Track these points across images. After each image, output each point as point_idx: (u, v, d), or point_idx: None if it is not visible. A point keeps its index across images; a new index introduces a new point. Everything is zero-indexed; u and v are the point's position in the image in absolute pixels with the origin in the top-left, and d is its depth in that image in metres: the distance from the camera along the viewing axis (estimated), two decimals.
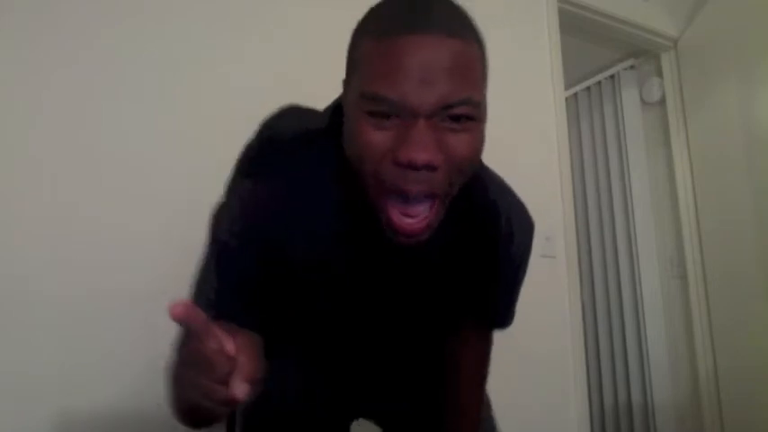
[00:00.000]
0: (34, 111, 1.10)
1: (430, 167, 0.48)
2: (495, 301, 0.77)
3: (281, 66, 1.39)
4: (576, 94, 2.90)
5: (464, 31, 0.51)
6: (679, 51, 2.43)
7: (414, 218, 0.53)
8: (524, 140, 1.77)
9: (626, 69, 2.68)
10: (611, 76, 2.74)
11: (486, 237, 0.69)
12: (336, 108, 0.62)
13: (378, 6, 0.54)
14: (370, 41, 0.51)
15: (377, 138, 0.49)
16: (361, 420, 0.88)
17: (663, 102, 2.51)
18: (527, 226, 0.74)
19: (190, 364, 0.45)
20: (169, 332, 1.17)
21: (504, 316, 0.79)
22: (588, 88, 2.87)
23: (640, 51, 2.58)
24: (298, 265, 0.65)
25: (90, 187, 1.13)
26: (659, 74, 2.53)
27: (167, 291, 1.18)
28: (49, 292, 1.06)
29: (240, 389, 0.42)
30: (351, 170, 0.55)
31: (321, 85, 1.41)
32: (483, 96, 0.52)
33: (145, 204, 1.18)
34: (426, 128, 0.48)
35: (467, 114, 0.50)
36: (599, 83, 2.80)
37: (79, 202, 1.12)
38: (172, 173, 1.22)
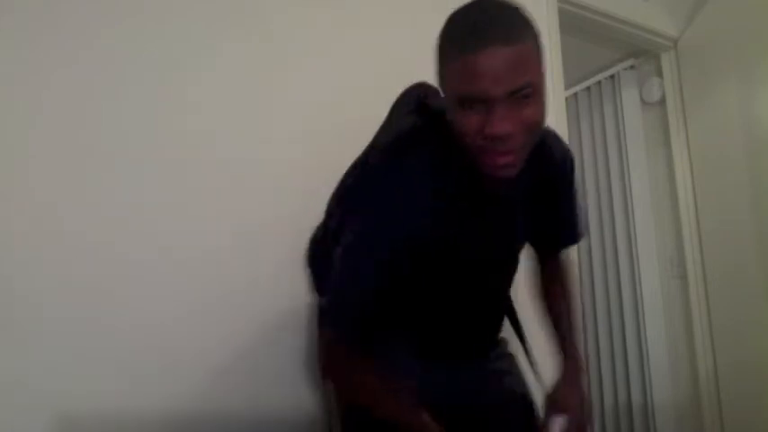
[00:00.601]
0: (34, 111, 1.10)
1: (508, 135, 0.71)
2: (572, 218, 1.04)
3: (281, 65, 1.39)
4: (575, 94, 2.90)
5: (518, 34, 0.70)
6: (679, 51, 2.43)
7: (505, 161, 0.74)
8: None
9: (626, 69, 2.68)
10: (611, 76, 2.74)
11: (549, 171, 0.94)
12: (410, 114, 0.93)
13: (452, 24, 0.74)
14: (450, 61, 0.72)
15: (471, 121, 0.72)
16: None
17: (663, 102, 2.51)
18: (566, 149, 1.00)
19: None
20: (170, 331, 1.17)
21: (579, 227, 1.06)
22: (588, 88, 2.87)
23: (640, 51, 2.58)
24: (430, 228, 0.84)
25: (90, 188, 1.13)
26: (659, 74, 2.53)
27: (167, 290, 1.19)
28: (48, 292, 1.06)
29: None
30: (457, 148, 0.78)
31: (322, 84, 1.41)
32: (539, 75, 0.73)
33: (145, 205, 1.18)
34: (502, 108, 0.70)
35: (527, 93, 0.70)
36: (599, 83, 2.80)
37: (79, 202, 1.12)
38: (172, 173, 1.22)
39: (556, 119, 1.91)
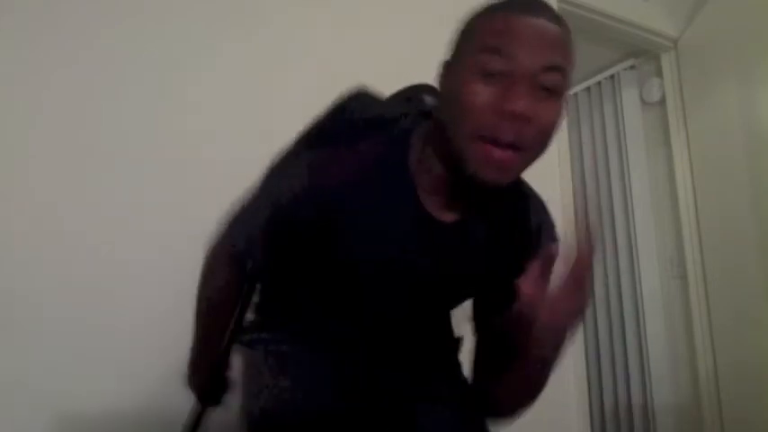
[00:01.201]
0: (34, 111, 1.10)
1: (525, 118, 0.61)
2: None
3: (282, 65, 1.39)
4: (575, 94, 2.90)
5: (562, 22, 0.67)
6: (679, 51, 2.43)
7: (502, 155, 0.63)
8: None
9: (626, 69, 2.68)
10: (611, 77, 2.74)
11: (522, 231, 0.80)
12: (407, 101, 0.80)
13: (496, 2, 0.68)
14: (491, 18, 0.65)
15: (486, 91, 0.62)
16: None
17: (663, 102, 2.51)
18: (544, 219, 0.85)
19: None
20: (170, 331, 1.17)
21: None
22: (588, 88, 2.86)
23: (640, 51, 2.58)
24: (351, 235, 0.73)
25: (90, 188, 1.13)
26: (659, 74, 2.53)
27: (168, 290, 1.18)
28: (48, 292, 1.06)
29: None
30: (429, 150, 0.70)
31: (321, 84, 1.41)
32: (570, 73, 0.66)
33: (145, 205, 1.18)
34: (528, 86, 0.62)
35: (555, 84, 0.63)
36: (599, 83, 2.80)
37: (79, 202, 1.12)
38: (172, 173, 1.22)
39: None
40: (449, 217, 0.75)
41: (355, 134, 0.75)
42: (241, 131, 1.31)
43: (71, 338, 1.06)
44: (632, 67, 2.67)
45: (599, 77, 2.79)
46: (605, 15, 2.16)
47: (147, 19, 1.24)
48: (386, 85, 1.49)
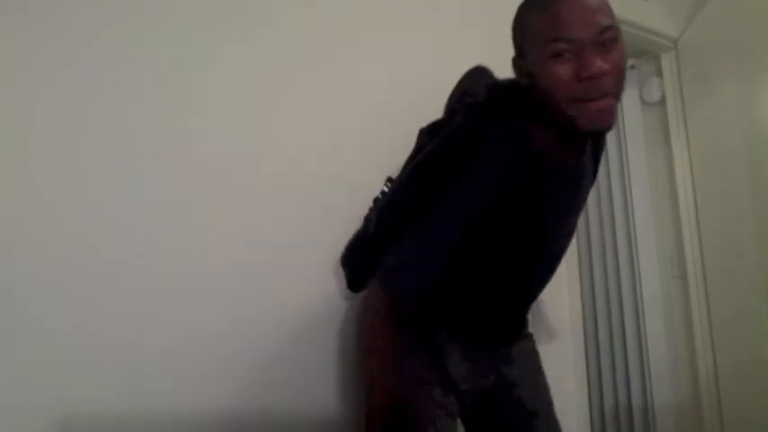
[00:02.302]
0: (34, 111, 1.10)
1: (603, 74, 0.75)
2: None
3: (282, 65, 1.39)
4: None
5: None
6: (679, 51, 2.43)
7: (601, 105, 0.78)
8: None
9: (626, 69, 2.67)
10: None
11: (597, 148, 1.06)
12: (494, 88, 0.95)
13: (526, 3, 0.84)
14: (537, 14, 0.80)
15: (564, 69, 0.77)
16: None
17: (663, 102, 2.51)
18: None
19: None
20: (168, 330, 1.17)
21: None
22: None
23: (640, 51, 2.58)
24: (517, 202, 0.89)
25: (91, 190, 1.13)
26: (659, 74, 2.53)
27: (166, 290, 1.18)
28: (49, 296, 1.06)
29: None
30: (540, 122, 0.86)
31: (321, 85, 1.41)
32: (616, 22, 0.79)
33: (145, 206, 1.18)
34: (593, 51, 0.76)
35: (614, 36, 0.78)
36: None
37: (80, 204, 1.12)
38: (175, 175, 1.22)
39: None
40: (572, 160, 0.93)
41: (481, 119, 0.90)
42: (241, 131, 1.31)
43: (73, 342, 1.06)
44: (632, 67, 2.67)
45: None
46: None
47: (147, 19, 1.24)
48: (387, 85, 1.51)
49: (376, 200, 1.16)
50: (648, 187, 2.57)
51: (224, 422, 1.17)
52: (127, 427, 1.09)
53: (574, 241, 1.90)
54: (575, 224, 1.08)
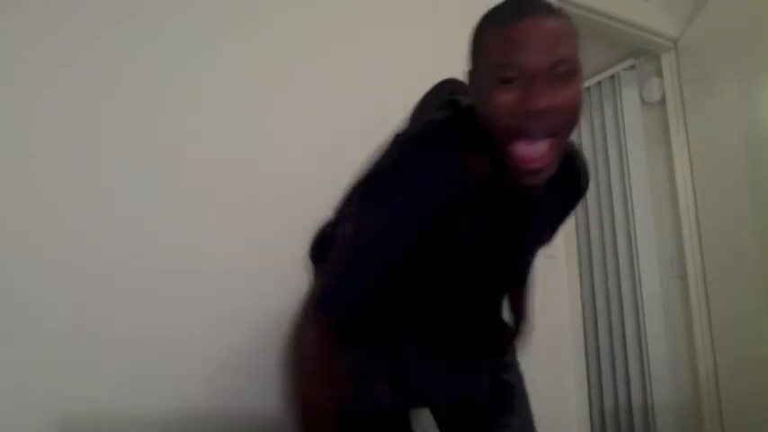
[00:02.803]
0: (34, 111, 1.10)
1: (548, 110, 0.67)
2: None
3: (282, 65, 1.39)
4: None
5: (557, 13, 0.71)
6: (679, 51, 2.43)
7: (537, 156, 0.69)
8: None
9: (626, 69, 2.68)
10: (612, 77, 2.74)
11: (572, 187, 0.93)
12: (451, 102, 0.86)
13: (492, 9, 0.73)
14: (492, 31, 0.70)
15: (508, 97, 0.68)
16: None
17: (663, 102, 2.51)
18: (588, 173, 0.97)
19: None
20: (168, 330, 1.17)
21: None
22: (588, 88, 2.86)
23: (640, 51, 2.58)
24: (455, 228, 0.80)
25: (90, 190, 1.13)
26: (659, 74, 2.53)
27: (166, 290, 1.18)
28: (49, 296, 1.06)
29: None
30: (482, 142, 0.74)
31: (320, 85, 1.41)
32: (578, 55, 0.71)
33: (144, 206, 1.18)
34: (542, 83, 0.66)
35: (570, 70, 0.68)
36: (599, 83, 2.80)
37: (79, 202, 1.12)
38: (173, 175, 1.22)
39: None
40: (533, 174, 0.80)
41: (453, 132, 0.81)
42: (241, 131, 1.31)
43: (71, 340, 1.06)
44: (632, 67, 2.67)
45: (599, 77, 2.79)
46: (605, 15, 2.16)
47: (147, 19, 1.24)
48: (386, 85, 1.50)
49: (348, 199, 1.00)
50: (648, 187, 2.57)
51: (224, 422, 1.17)
52: (127, 426, 1.09)
53: (574, 241, 1.91)
54: (527, 263, 0.98)
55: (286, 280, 1.27)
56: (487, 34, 0.72)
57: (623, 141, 2.65)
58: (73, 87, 1.14)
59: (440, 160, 0.77)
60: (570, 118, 0.71)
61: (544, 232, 0.95)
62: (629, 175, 2.62)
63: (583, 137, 2.87)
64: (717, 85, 2.19)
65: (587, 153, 2.85)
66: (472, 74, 0.76)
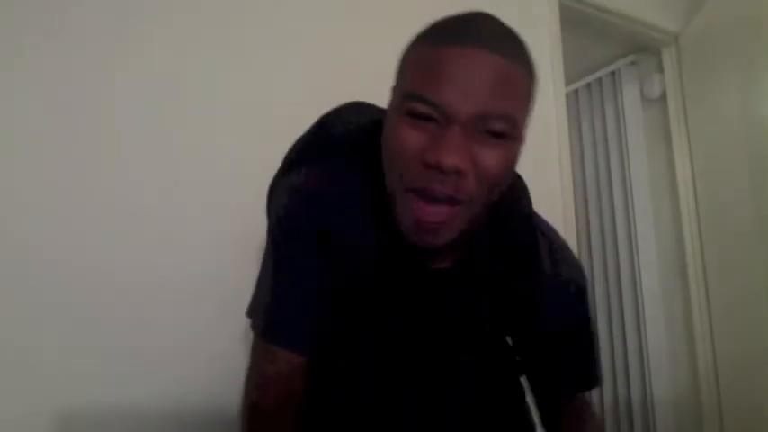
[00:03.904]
0: (32, 110, 1.09)
1: (457, 172, 0.51)
2: (574, 359, 0.73)
3: (283, 65, 1.38)
4: (576, 91, 2.89)
5: (511, 51, 0.53)
6: (680, 47, 2.42)
7: (433, 212, 0.54)
8: None
9: (626, 65, 2.67)
10: (612, 73, 2.73)
11: (526, 282, 0.68)
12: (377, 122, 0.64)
13: (434, 22, 0.58)
14: (420, 49, 0.55)
15: (412, 137, 0.52)
16: None
17: (664, 98, 2.50)
18: (574, 274, 0.70)
19: None
20: (169, 330, 1.16)
21: (578, 376, 0.74)
22: (588, 84, 2.85)
23: (641, 47, 2.57)
24: (341, 264, 0.65)
25: (90, 186, 1.13)
26: (660, 70, 2.52)
27: (165, 288, 1.18)
28: (50, 293, 1.05)
29: None
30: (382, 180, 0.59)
31: (320, 85, 1.40)
32: (523, 115, 0.55)
33: (145, 205, 1.18)
34: (460, 135, 0.51)
35: (501, 130, 0.52)
36: (599, 79, 2.79)
37: (79, 201, 1.11)
38: (163, 170, 1.22)
39: (556, 115, 1.90)
40: (439, 263, 0.64)
41: (329, 152, 0.68)
42: (241, 131, 1.31)
43: (72, 338, 1.06)
44: (633, 63, 2.66)
45: (599, 73, 2.78)
46: (605, 11, 2.15)
47: (146, 18, 1.23)
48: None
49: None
50: (649, 183, 2.57)
51: (225, 422, 1.17)
52: (127, 426, 1.09)
53: (574, 239, 1.90)
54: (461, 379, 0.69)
55: None
56: (414, 51, 0.57)
57: (624, 137, 2.64)
58: (73, 86, 1.13)
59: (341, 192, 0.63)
60: (486, 186, 0.54)
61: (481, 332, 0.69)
62: (629, 171, 2.61)
63: (583, 133, 2.87)
64: (718, 81, 2.18)
65: (587, 151, 2.84)
66: (392, 94, 0.60)
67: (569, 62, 2.12)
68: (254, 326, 0.69)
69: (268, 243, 0.68)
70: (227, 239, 1.24)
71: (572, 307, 0.71)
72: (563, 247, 0.72)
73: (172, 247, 1.19)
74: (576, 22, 2.15)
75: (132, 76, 1.19)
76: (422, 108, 0.52)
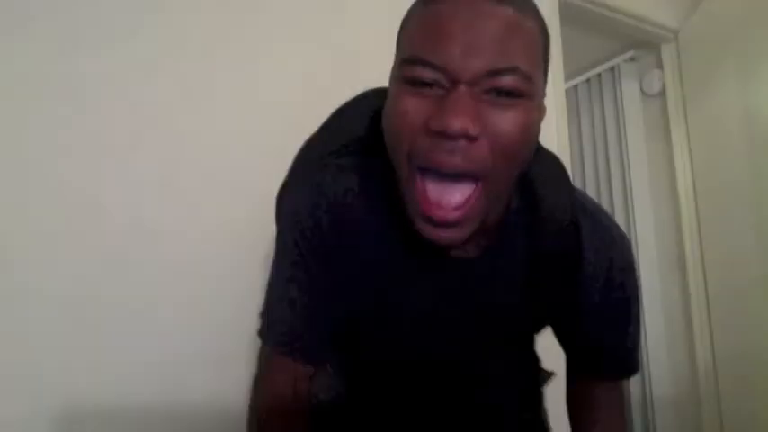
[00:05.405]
0: (34, 109, 1.09)
1: (466, 136, 0.45)
2: (608, 341, 0.67)
3: (278, 67, 1.38)
4: (575, 86, 2.88)
5: (521, 4, 0.48)
6: (680, 43, 2.41)
7: (444, 203, 0.48)
8: None
9: (626, 61, 2.66)
10: (612, 68, 2.72)
11: (567, 265, 0.61)
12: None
13: None
14: (416, 11, 0.50)
15: (414, 105, 0.47)
16: None
17: (663, 94, 2.49)
18: (609, 244, 0.62)
19: None
20: (170, 332, 1.16)
21: (616, 360, 0.69)
22: (588, 80, 2.85)
23: (641, 43, 2.56)
24: (361, 265, 0.61)
25: (90, 184, 1.12)
26: (660, 66, 2.51)
27: (165, 287, 1.17)
28: (50, 292, 1.05)
29: None
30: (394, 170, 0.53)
31: (317, 88, 1.40)
32: (537, 71, 0.48)
33: (144, 205, 1.17)
34: (467, 95, 0.45)
35: (514, 87, 0.46)
36: (599, 75, 2.78)
37: (78, 199, 1.11)
38: (164, 168, 1.21)
39: (556, 111, 1.90)
40: (463, 252, 0.59)
41: (348, 151, 0.64)
42: (238, 130, 1.30)
43: (72, 337, 1.05)
44: (632, 59, 2.65)
45: (599, 69, 2.77)
46: (605, 6, 2.14)
47: (145, 17, 1.22)
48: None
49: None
50: (648, 180, 2.56)
51: (224, 422, 1.17)
52: (127, 426, 1.09)
53: None
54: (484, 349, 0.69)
55: None
56: (409, 15, 0.52)
57: (623, 133, 2.63)
58: (75, 85, 1.12)
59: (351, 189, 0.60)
60: (500, 161, 0.47)
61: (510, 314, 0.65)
62: (629, 167, 2.61)
63: (583, 129, 2.86)
64: (717, 77, 2.18)
65: (587, 146, 2.84)
66: (393, 66, 0.54)
67: (569, 58, 2.12)
68: (261, 333, 0.67)
69: (279, 249, 0.65)
70: (232, 242, 1.24)
71: (612, 291, 0.64)
72: (609, 226, 0.65)
73: (173, 249, 1.18)
74: (575, 18, 2.14)
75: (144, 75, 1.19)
76: (421, 72, 0.46)
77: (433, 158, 0.47)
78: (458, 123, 0.44)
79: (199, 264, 1.21)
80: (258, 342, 0.68)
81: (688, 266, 2.31)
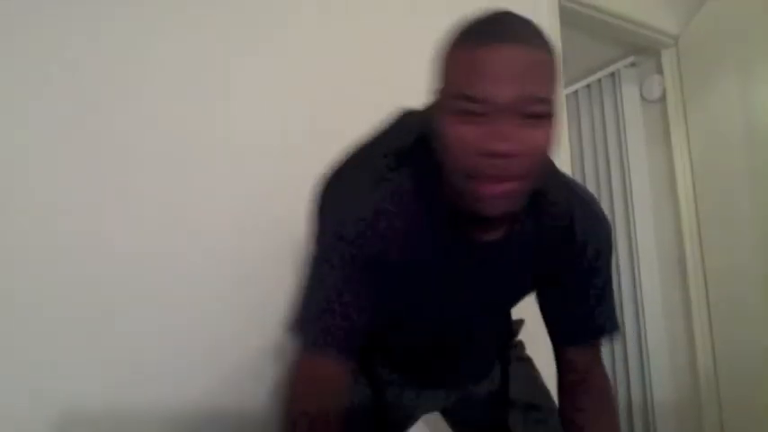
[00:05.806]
0: (36, 109, 1.09)
1: (510, 156, 0.60)
2: (589, 309, 0.86)
3: (280, 68, 1.38)
4: (576, 92, 2.89)
5: (538, 42, 0.62)
6: (680, 48, 2.42)
7: (500, 191, 0.63)
8: None
9: (626, 67, 2.67)
10: (612, 74, 2.73)
11: (560, 239, 0.80)
12: (421, 123, 0.75)
13: (464, 26, 0.65)
14: (458, 52, 0.63)
15: (466, 133, 0.61)
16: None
17: (663, 99, 2.50)
18: (596, 232, 0.83)
19: None
20: (171, 333, 1.17)
21: (599, 320, 0.87)
22: (588, 86, 2.85)
23: (641, 48, 2.57)
24: (400, 265, 0.75)
25: (90, 186, 1.13)
26: (660, 71, 2.52)
27: (165, 287, 1.18)
28: (50, 292, 1.06)
29: None
30: (441, 179, 0.69)
31: (318, 87, 1.41)
32: (555, 95, 0.63)
33: (145, 204, 1.18)
34: (507, 122, 0.60)
35: (541, 111, 0.61)
36: (599, 80, 2.79)
37: (79, 200, 1.11)
38: (171, 171, 1.22)
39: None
40: (492, 236, 0.76)
41: (405, 167, 0.76)
42: (239, 130, 1.31)
43: (72, 337, 1.06)
44: (632, 65, 2.66)
45: (599, 75, 2.78)
46: (605, 12, 2.15)
47: (145, 16, 1.23)
48: (381, 75, 1.48)
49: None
50: (649, 185, 2.57)
51: (226, 422, 1.17)
52: (127, 426, 1.09)
53: None
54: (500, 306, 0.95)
55: (287, 280, 1.26)
56: (452, 55, 0.64)
57: (623, 139, 2.64)
58: (77, 85, 1.13)
59: (393, 192, 0.73)
60: (534, 163, 0.64)
61: (514, 282, 0.85)
62: (629, 172, 2.61)
63: (583, 134, 2.87)
64: (717, 83, 2.18)
65: (587, 151, 2.85)
66: (436, 96, 0.68)
67: (569, 63, 2.13)
68: (300, 334, 0.75)
69: (318, 253, 0.75)
70: (243, 248, 1.24)
71: (588, 264, 0.83)
72: (595, 209, 0.84)
73: (174, 249, 1.19)
74: (576, 24, 2.16)
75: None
76: (471, 106, 0.60)
77: (486, 171, 0.62)
78: (504, 147, 0.59)
79: (199, 263, 1.21)
80: (281, 345, 0.70)
81: (688, 270, 2.31)
